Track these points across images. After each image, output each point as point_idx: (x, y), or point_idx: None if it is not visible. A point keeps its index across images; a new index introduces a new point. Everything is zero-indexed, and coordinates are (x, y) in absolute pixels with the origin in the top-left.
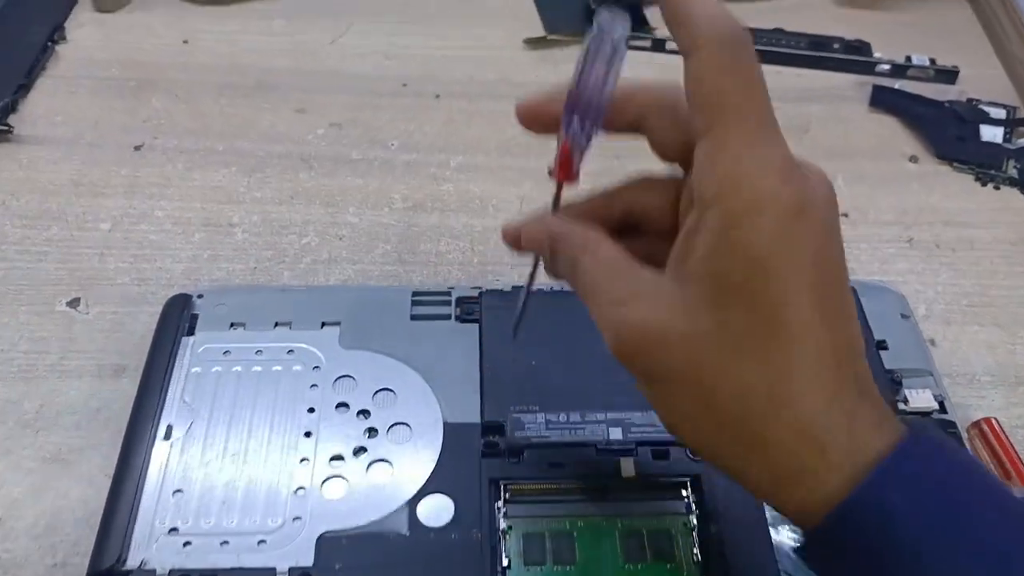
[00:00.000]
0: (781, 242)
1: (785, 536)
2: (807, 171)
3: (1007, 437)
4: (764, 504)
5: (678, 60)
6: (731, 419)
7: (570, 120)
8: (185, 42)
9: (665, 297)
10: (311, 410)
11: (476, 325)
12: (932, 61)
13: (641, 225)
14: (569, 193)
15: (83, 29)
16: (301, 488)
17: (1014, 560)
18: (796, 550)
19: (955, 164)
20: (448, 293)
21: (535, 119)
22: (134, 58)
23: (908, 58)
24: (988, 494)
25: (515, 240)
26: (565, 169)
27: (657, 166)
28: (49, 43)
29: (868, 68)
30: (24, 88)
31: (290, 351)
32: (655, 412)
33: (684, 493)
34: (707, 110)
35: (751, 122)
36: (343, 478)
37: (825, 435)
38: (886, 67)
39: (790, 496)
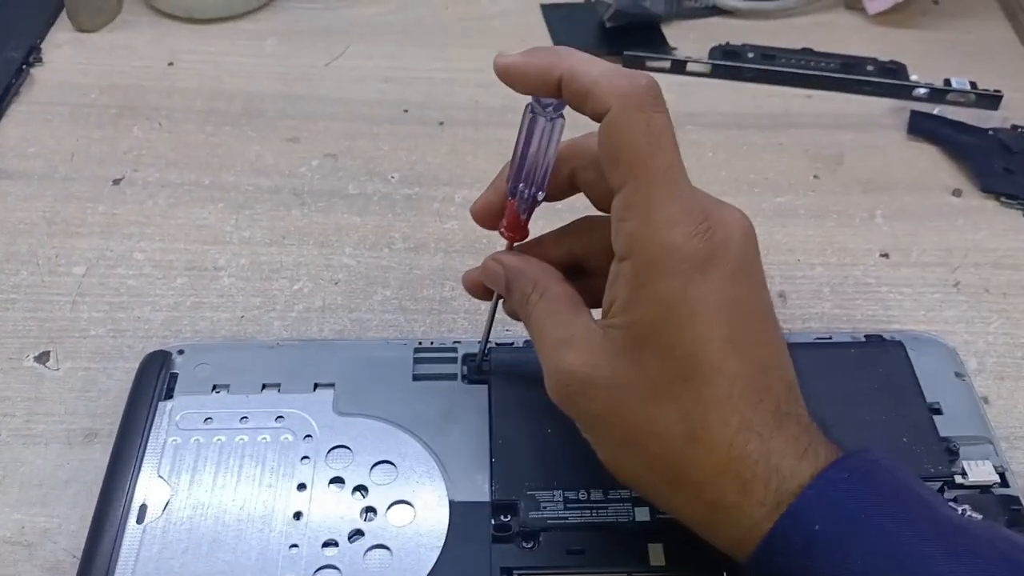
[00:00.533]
0: (689, 292)
1: None
2: (721, 214)
3: None
4: None
5: (698, 81)
6: (655, 459)
7: (514, 188)
8: (170, 64)
9: (594, 344)
10: (301, 487)
11: (485, 386)
12: (973, 85)
13: (583, 266)
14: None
15: (61, 50)
16: None
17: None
18: None
19: (1003, 199)
20: (454, 349)
21: (488, 216)
22: (115, 82)
23: (947, 81)
24: (915, 515)
25: (474, 284)
26: (513, 230)
27: None
28: (24, 65)
29: (904, 92)
30: None
31: (279, 417)
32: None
33: None
34: (618, 168)
35: (659, 178)
36: (337, 568)
37: (744, 470)
38: (924, 91)
39: (719, 530)
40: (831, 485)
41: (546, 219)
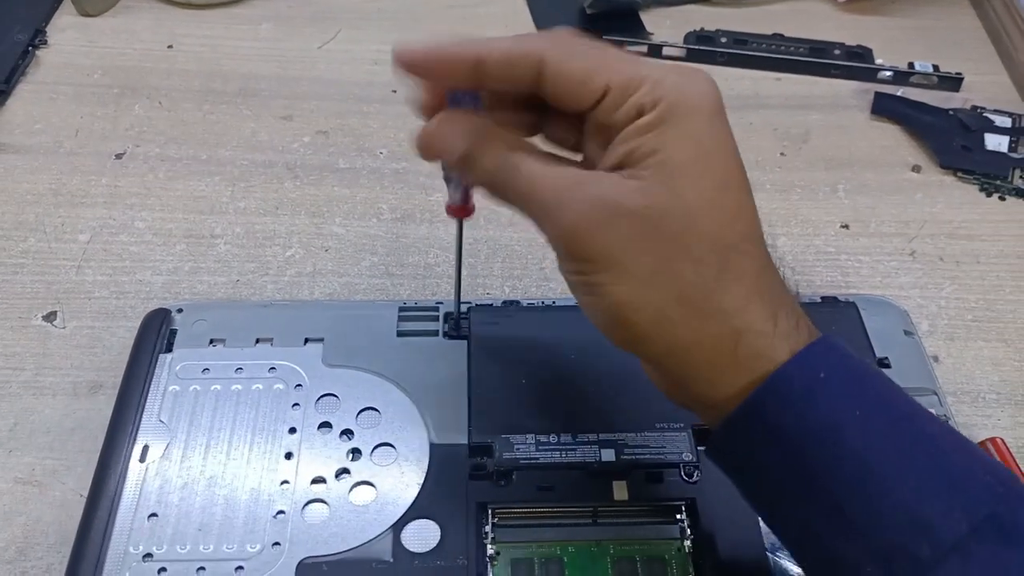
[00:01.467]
0: (713, 133)
1: (785, 562)
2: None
3: (1014, 458)
4: (761, 527)
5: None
6: (686, 286)
7: (449, 179)
8: (169, 47)
9: (618, 182)
10: (292, 430)
11: (465, 342)
12: (936, 68)
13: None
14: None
15: (65, 33)
16: (281, 512)
17: (933, 441)
18: (705, 447)
19: (959, 174)
20: (436, 308)
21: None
22: (116, 63)
23: (911, 65)
24: (897, 387)
25: (426, 143)
26: (456, 211)
27: None
28: (30, 47)
29: (870, 75)
30: (3, 95)
31: (271, 368)
32: (593, 304)
33: (679, 517)
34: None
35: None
36: (325, 502)
37: (773, 300)
38: (888, 74)
39: (741, 362)
40: (836, 347)
41: None
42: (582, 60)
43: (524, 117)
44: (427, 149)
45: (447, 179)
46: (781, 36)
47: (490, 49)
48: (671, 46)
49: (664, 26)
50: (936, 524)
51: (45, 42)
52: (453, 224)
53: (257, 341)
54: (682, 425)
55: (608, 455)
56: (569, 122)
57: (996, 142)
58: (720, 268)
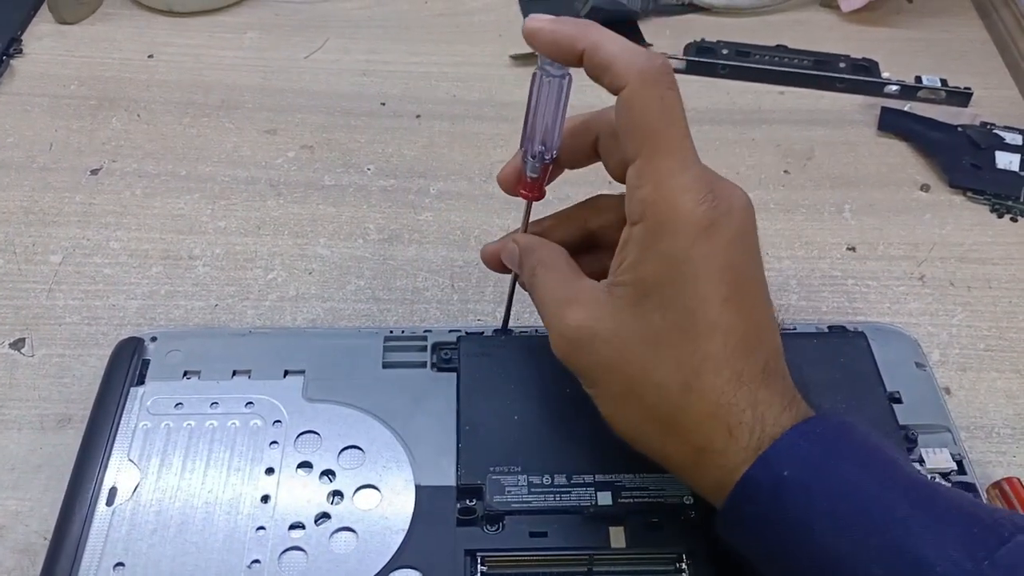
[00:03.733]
0: (694, 252)
1: None
2: (724, 187)
3: None
4: None
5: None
6: (652, 406)
7: (528, 148)
8: (150, 56)
9: (598, 302)
10: (270, 471)
11: (454, 374)
12: (944, 82)
13: (595, 240)
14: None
15: (41, 42)
16: (256, 561)
17: (902, 526)
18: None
19: (969, 194)
20: (424, 338)
21: (512, 182)
22: (95, 74)
23: (918, 79)
24: (881, 468)
25: (491, 258)
26: (528, 189)
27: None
28: (4, 56)
29: (876, 89)
30: None
31: (249, 403)
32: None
33: (679, 566)
34: (633, 140)
35: (670, 149)
36: (303, 549)
37: (731, 417)
38: (895, 88)
39: (705, 473)
40: (802, 436)
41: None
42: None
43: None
44: (491, 263)
45: (524, 159)
46: (784, 48)
47: (595, 46)
48: (671, 58)
49: (663, 36)
50: None
51: (20, 51)
52: (442, 246)
53: (234, 373)
54: None
55: (605, 498)
56: None
57: (1007, 160)
58: (681, 390)
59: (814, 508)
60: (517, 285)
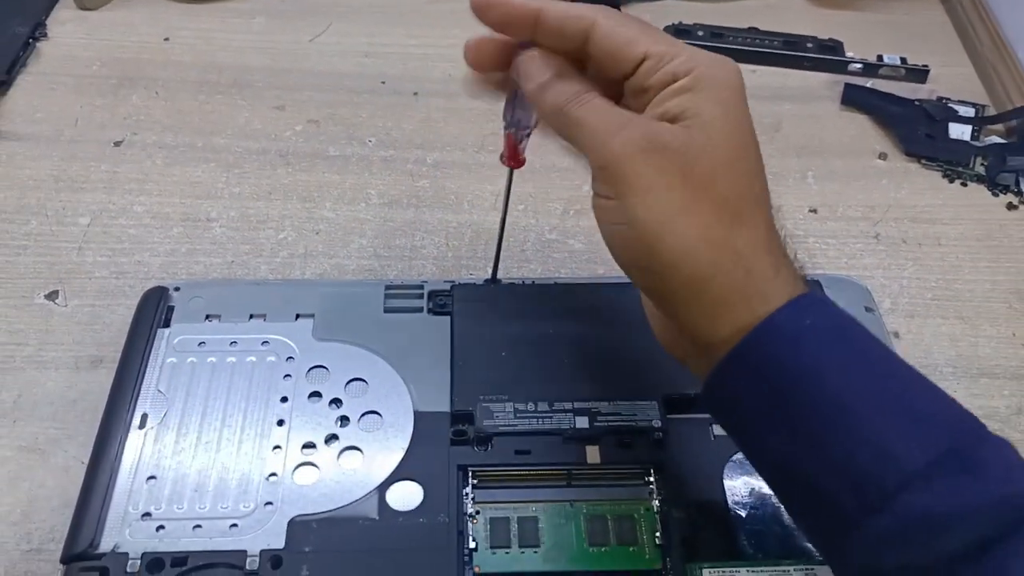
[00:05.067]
0: (742, 108)
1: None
2: None
3: None
4: (724, 486)
5: None
6: (710, 223)
7: (510, 113)
8: (166, 40)
9: (664, 125)
10: (284, 399)
11: (448, 318)
12: (903, 60)
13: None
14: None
15: (65, 26)
16: (273, 475)
17: (905, 384)
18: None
19: (924, 161)
20: (421, 287)
21: (481, 53)
22: (115, 55)
23: (880, 57)
24: (876, 339)
25: (483, 58)
26: (512, 155)
27: None
28: (31, 40)
29: (840, 67)
30: (5, 85)
31: (264, 342)
32: (620, 235)
33: (647, 479)
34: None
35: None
36: (314, 465)
37: (777, 252)
38: (858, 66)
39: (743, 306)
40: (821, 300)
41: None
42: (627, 29)
43: None
44: (514, 70)
45: (510, 124)
46: (756, 30)
47: (549, 7)
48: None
49: (643, 19)
50: (899, 456)
51: (45, 35)
52: (438, 209)
53: (251, 317)
54: (652, 395)
55: (582, 422)
56: (608, 90)
57: (959, 131)
58: (736, 215)
59: (828, 357)
60: (504, 238)
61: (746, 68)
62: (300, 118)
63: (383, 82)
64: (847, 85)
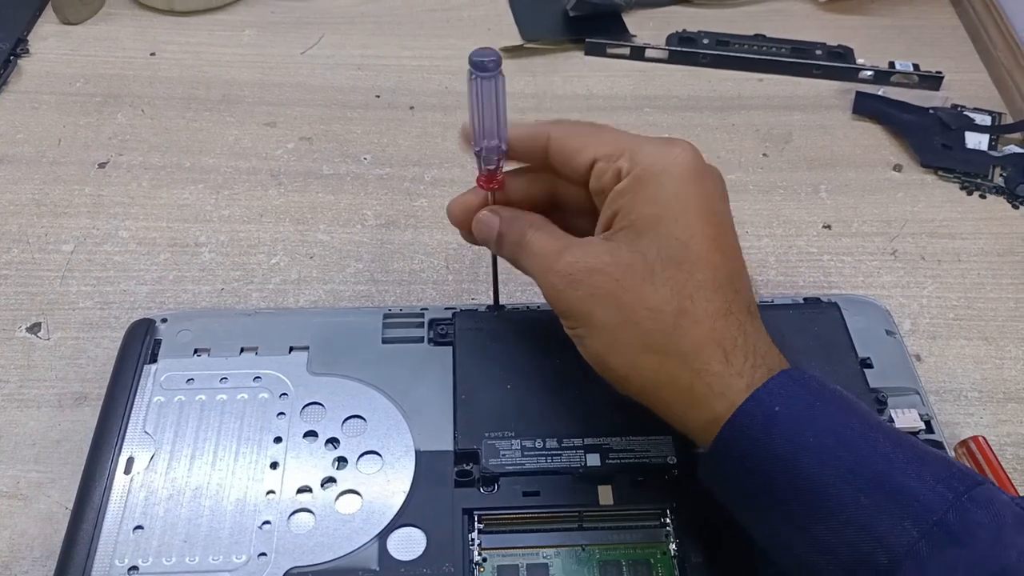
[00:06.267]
0: (684, 194)
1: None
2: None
3: (995, 456)
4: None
5: (656, 67)
6: (647, 332)
7: (479, 146)
8: (152, 55)
9: (594, 245)
10: (278, 439)
11: (450, 348)
12: (916, 67)
13: (559, 201)
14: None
15: (47, 42)
16: (267, 523)
17: (885, 459)
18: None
19: (940, 173)
20: (421, 315)
21: (463, 214)
22: (99, 72)
23: (891, 64)
24: (862, 412)
25: (462, 218)
26: (487, 182)
27: None
28: (11, 56)
29: (851, 74)
30: None
31: (256, 378)
32: (583, 351)
33: (664, 520)
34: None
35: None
36: (311, 511)
37: (727, 342)
38: (869, 73)
39: (698, 404)
40: (791, 379)
41: None
42: (576, 136)
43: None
44: (473, 234)
45: (478, 154)
46: (763, 37)
47: (515, 132)
48: (653, 48)
49: (647, 27)
50: (888, 535)
51: (27, 51)
52: (437, 230)
53: (242, 350)
54: (666, 429)
55: (593, 460)
56: (584, 209)
57: (976, 140)
58: (677, 314)
59: (802, 442)
60: (500, 260)
61: (753, 77)
62: (292, 135)
63: (378, 96)
64: (858, 93)
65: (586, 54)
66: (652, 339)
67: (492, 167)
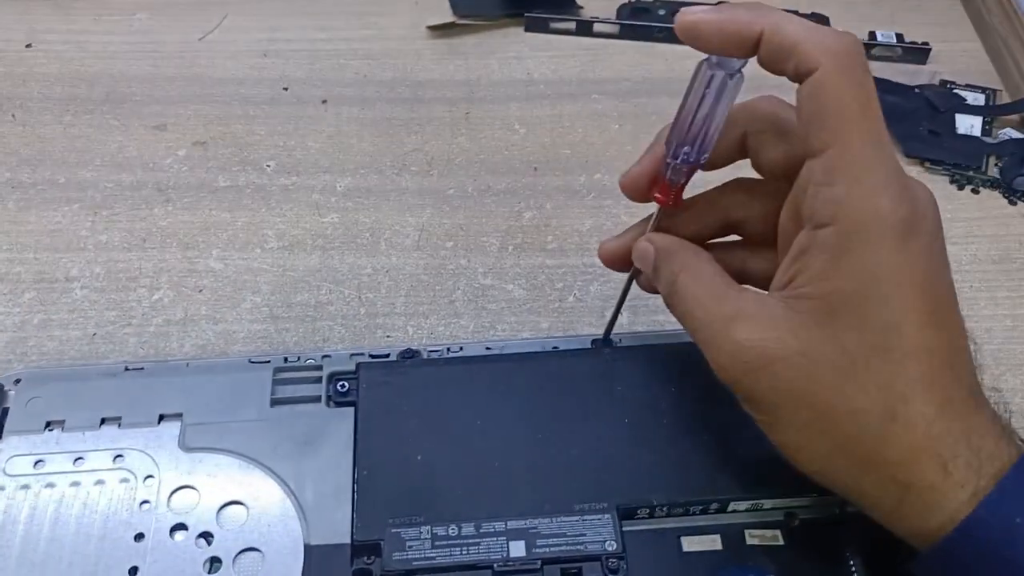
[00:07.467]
0: (894, 262)
1: None
2: (913, 185)
3: None
4: None
5: (606, 44)
6: (846, 439)
7: (677, 151)
8: (27, 46)
9: (774, 316)
10: (139, 537)
11: (352, 408)
12: (899, 37)
13: (740, 231)
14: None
15: None
16: None
17: None
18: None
19: (927, 164)
20: (319, 367)
21: (639, 188)
22: None
23: (872, 35)
24: None
25: (614, 258)
26: (665, 194)
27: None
28: None
29: None
30: None
31: (118, 456)
32: (768, 435)
33: None
34: (826, 129)
35: (869, 140)
36: None
37: (945, 451)
38: None
39: (910, 512)
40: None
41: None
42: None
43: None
44: (611, 263)
45: (670, 163)
46: (727, 4)
47: (774, 28)
48: (602, 22)
49: None
50: None
51: None
52: (349, 252)
53: (103, 421)
54: (605, 506)
55: (517, 549)
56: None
57: (968, 124)
58: (885, 419)
59: None
60: (635, 287)
61: None
62: (184, 140)
63: (285, 88)
64: None
65: (526, 30)
66: (853, 445)
67: (684, 180)
